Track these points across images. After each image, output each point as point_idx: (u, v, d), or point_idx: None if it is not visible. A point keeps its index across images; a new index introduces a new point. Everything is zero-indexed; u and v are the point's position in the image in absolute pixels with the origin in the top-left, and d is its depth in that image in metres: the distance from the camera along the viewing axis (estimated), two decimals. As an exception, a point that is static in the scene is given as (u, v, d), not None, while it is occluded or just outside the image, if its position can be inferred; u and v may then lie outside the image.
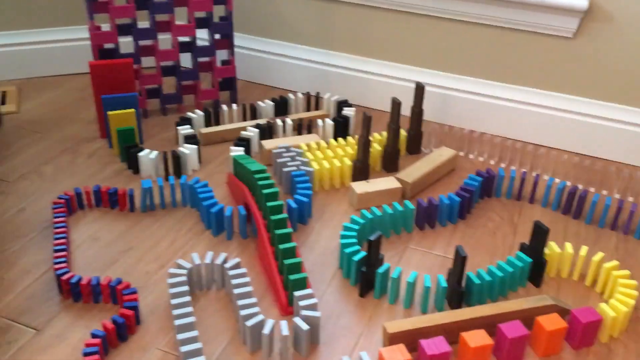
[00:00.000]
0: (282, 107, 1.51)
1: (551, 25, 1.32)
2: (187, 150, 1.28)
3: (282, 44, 1.64)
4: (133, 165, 1.29)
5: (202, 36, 1.61)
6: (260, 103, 1.48)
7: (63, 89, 1.61)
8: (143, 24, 1.46)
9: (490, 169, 1.24)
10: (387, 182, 1.22)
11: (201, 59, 1.52)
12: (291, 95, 1.52)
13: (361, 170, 1.26)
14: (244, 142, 1.34)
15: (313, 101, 1.58)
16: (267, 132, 1.40)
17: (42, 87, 1.62)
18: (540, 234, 0.97)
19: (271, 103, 1.49)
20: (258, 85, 1.69)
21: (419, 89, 1.33)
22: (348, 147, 1.32)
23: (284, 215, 1.02)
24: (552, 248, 1.02)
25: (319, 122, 1.41)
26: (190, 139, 1.34)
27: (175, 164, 1.28)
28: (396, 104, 1.27)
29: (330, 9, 1.54)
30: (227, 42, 1.52)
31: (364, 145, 1.24)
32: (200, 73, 1.52)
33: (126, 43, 1.53)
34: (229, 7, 1.46)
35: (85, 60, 1.67)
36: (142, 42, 1.45)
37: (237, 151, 1.29)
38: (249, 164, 1.19)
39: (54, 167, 1.29)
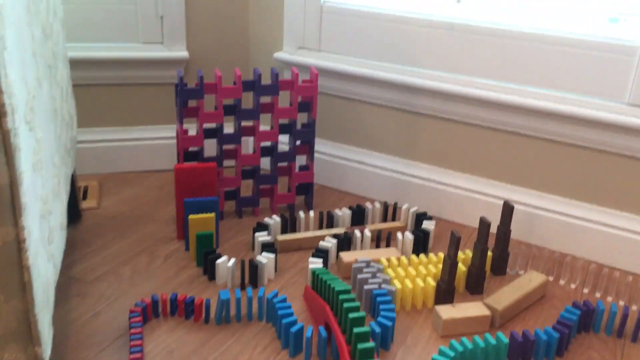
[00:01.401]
0: (358, 216, 1.47)
1: (649, 149, 1.27)
2: (264, 259, 1.25)
3: (361, 151, 1.63)
4: (209, 271, 1.26)
5: (283, 140, 1.62)
6: (337, 211, 1.45)
7: (143, 186, 1.63)
8: (228, 127, 1.48)
9: (588, 300, 1.15)
10: (475, 308, 1.15)
11: (280, 164, 1.52)
12: (368, 205, 1.48)
13: (446, 292, 1.19)
14: (322, 253, 1.30)
15: (390, 211, 1.54)
16: (344, 242, 1.36)
17: (123, 183, 1.64)
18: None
19: (348, 211, 1.46)
20: (333, 191, 1.67)
21: (508, 209, 1.27)
22: (430, 265, 1.26)
23: (371, 344, 0.95)
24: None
25: (398, 235, 1.37)
26: (267, 247, 1.31)
27: (251, 273, 1.24)
28: (485, 224, 1.21)
29: (413, 120, 1.53)
30: (307, 148, 1.52)
31: (451, 266, 1.17)
32: (278, 177, 1.51)
33: (209, 144, 1.55)
34: (313, 115, 1.47)
35: (166, 157, 1.70)
36: (225, 146, 1.46)
37: (316, 263, 1.25)
38: (330, 280, 1.14)
39: (132, 269, 1.28)
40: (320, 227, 1.45)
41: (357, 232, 1.37)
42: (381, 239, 1.42)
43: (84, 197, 1.53)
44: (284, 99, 1.52)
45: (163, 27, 1.61)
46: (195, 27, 1.64)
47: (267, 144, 1.50)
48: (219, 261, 1.24)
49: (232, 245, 1.39)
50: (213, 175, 1.36)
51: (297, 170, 1.54)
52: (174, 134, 1.68)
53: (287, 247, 1.38)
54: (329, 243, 1.33)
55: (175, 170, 1.33)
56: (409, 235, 1.36)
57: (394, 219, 1.50)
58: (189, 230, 1.31)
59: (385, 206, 1.49)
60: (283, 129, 1.49)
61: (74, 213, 1.42)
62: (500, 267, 1.32)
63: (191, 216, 1.30)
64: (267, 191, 1.53)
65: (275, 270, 1.30)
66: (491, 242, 1.40)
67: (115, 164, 1.68)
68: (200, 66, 1.66)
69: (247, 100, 1.63)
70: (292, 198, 1.53)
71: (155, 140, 1.69)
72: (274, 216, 1.41)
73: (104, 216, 1.47)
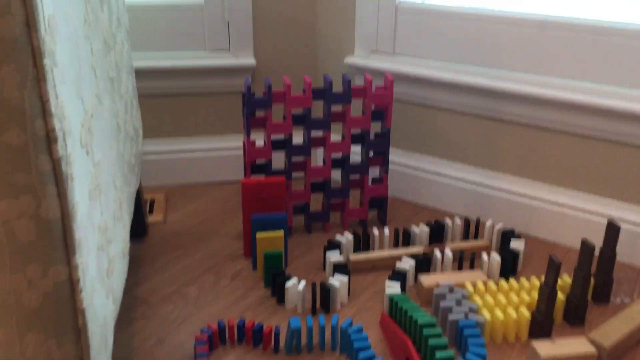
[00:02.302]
0: (437, 233, 1.35)
1: None
2: (337, 282, 1.15)
3: (439, 162, 1.50)
4: (278, 292, 1.17)
5: (355, 151, 1.52)
6: (414, 228, 1.33)
7: (209, 198, 1.57)
8: (297, 138, 1.39)
9: None
10: (578, 345, 1.00)
11: (352, 176, 1.41)
12: (447, 220, 1.36)
13: (542, 325, 1.05)
14: (400, 276, 1.19)
15: (472, 228, 1.41)
16: (423, 263, 1.24)
17: (189, 195, 1.59)
18: None
19: (426, 228, 1.34)
20: (408, 204, 1.56)
21: (613, 230, 1.11)
22: (523, 292, 1.12)
23: (463, 390, 0.83)
24: None
25: (483, 255, 1.23)
26: (339, 268, 1.21)
27: (323, 297, 1.14)
28: (588, 248, 1.06)
29: (496, 127, 1.39)
30: (381, 159, 1.41)
31: (549, 296, 1.03)
32: (350, 190, 1.41)
33: (277, 156, 1.47)
34: (387, 124, 1.35)
35: (233, 168, 1.63)
36: (294, 158, 1.37)
37: (393, 287, 1.14)
38: (411, 310, 1.02)
39: (198, 289, 1.21)
40: (396, 245, 1.34)
41: (437, 252, 1.24)
42: (464, 260, 1.29)
43: (150, 211, 1.49)
44: (355, 107, 1.41)
45: (230, 34, 1.54)
46: (263, 33, 1.56)
47: (338, 155, 1.40)
48: (288, 284, 1.14)
49: (302, 264, 1.30)
50: (281, 189, 1.27)
51: (370, 183, 1.43)
52: (241, 144, 1.61)
53: (361, 268, 1.27)
54: (407, 264, 1.22)
55: (242, 185, 1.25)
56: (496, 257, 1.22)
57: (476, 237, 1.37)
58: (256, 248, 1.23)
59: (467, 222, 1.36)
60: (355, 139, 1.38)
61: (140, 228, 1.37)
62: (603, 295, 1.16)
63: (259, 234, 1.22)
64: (338, 205, 1.43)
65: (349, 294, 1.20)
66: (594, 268, 1.25)
67: (182, 176, 1.63)
68: (268, 74, 1.58)
69: (317, 109, 1.53)
70: (364, 213, 1.43)
71: (221, 151, 1.63)
72: (346, 233, 1.31)
73: (170, 231, 1.42)
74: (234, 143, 1.63)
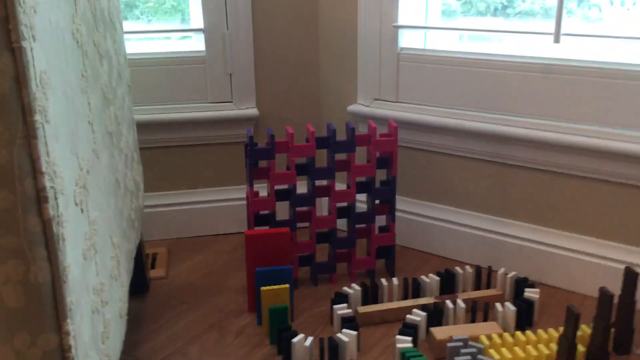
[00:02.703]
0: (448, 282, 1.30)
1: None
2: (346, 337, 1.10)
3: (447, 209, 1.46)
4: (284, 350, 1.12)
5: (361, 199, 1.49)
6: (423, 278, 1.29)
7: (212, 250, 1.53)
8: (301, 188, 1.36)
9: None
10: (603, 401, 0.94)
11: (358, 225, 1.38)
12: (458, 269, 1.31)
13: (564, 380, 1.00)
14: (411, 330, 1.13)
15: (484, 276, 1.36)
16: (435, 315, 1.19)
17: (192, 248, 1.55)
18: None
19: (436, 278, 1.29)
20: (416, 252, 1.51)
21: (631, 277, 1.07)
22: (541, 345, 1.07)
23: None
24: None
25: (497, 306, 1.19)
26: (348, 322, 1.16)
27: (331, 353, 1.09)
28: (607, 297, 1.01)
29: (505, 173, 1.36)
30: (387, 207, 1.37)
31: (570, 349, 0.98)
32: (356, 240, 1.37)
33: (281, 207, 1.44)
34: (393, 172, 1.33)
35: (236, 220, 1.60)
36: (298, 208, 1.34)
37: (404, 342, 1.09)
38: (425, 367, 0.97)
39: (200, 348, 1.16)
40: (405, 297, 1.29)
41: (449, 303, 1.20)
42: (477, 310, 1.23)
43: (152, 266, 1.45)
44: (360, 156, 1.39)
45: (232, 85, 1.53)
46: (265, 83, 1.55)
47: (344, 204, 1.36)
48: (294, 340, 1.09)
49: (309, 317, 1.25)
50: (286, 241, 1.24)
51: (376, 232, 1.39)
52: (244, 195, 1.59)
53: (370, 320, 1.22)
54: (418, 317, 1.17)
55: (245, 236, 1.22)
56: (511, 307, 1.17)
57: (488, 286, 1.32)
58: (261, 303, 1.19)
59: (478, 270, 1.31)
60: (360, 188, 1.35)
61: (141, 284, 1.33)
62: (623, 345, 1.11)
63: (263, 288, 1.17)
64: (345, 255, 1.39)
65: (358, 349, 1.14)
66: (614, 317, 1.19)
67: (184, 229, 1.59)
68: (270, 124, 1.57)
69: (321, 158, 1.51)
70: (372, 263, 1.38)
71: (225, 202, 1.60)
72: (353, 285, 1.26)
73: (173, 286, 1.37)
74: (237, 194, 1.60)
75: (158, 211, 1.57)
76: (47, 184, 0.52)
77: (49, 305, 0.53)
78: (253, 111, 1.54)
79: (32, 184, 0.51)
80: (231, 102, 1.54)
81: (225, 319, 1.25)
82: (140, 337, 1.19)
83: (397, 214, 1.50)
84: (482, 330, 1.13)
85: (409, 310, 1.23)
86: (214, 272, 1.43)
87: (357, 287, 1.26)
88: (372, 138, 1.30)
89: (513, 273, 1.29)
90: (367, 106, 1.49)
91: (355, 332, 1.12)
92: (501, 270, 1.29)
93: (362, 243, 1.51)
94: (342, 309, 1.19)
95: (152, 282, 1.39)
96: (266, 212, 1.32)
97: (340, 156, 1.35)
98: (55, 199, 0.54)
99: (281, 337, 1.12)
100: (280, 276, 1.20)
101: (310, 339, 1.09)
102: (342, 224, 1.48)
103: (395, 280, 1.27)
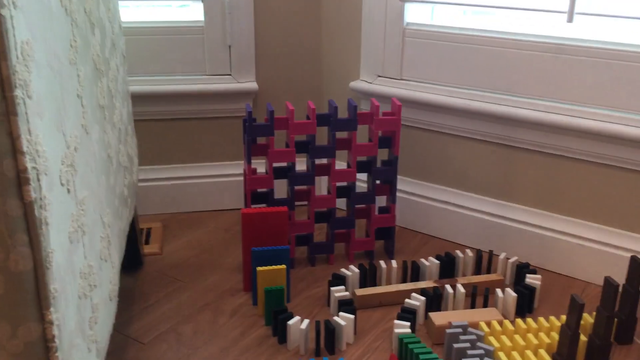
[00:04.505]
0: (448, 266, 1.27)
1: None
2: (343, 321, 1.07)
3: (449, 191, 1.43)
4: (280, 332, 1.10)
5: (362, 178, 1.45)
6: (423, 261, 1.26)
7: (208, 227, 1.50)
8: (300, 166, 1.32)
9: None
10: (604, 393, 0.92)
11: (358, 206, 1.34)
12: (458, 253, 1.28)
13: (564, 371, 0.98)
14: (409, 315, 1.11)
15: (485, 261, 1.33)
16: (434, 299, 1.16)
17: (188, 224, 1.51)
18: None
19: (436, 262, 1.26)
20: (416, 234, 1.48)
21: (636, 266, 1.04)
22: (541, 333, 1.04)
23: None
24: None
25: (498, 292, 1.16)
26: (345, 305, 1.13)
27: (328, 337, 1.07)
28: (612, 287, 0.99)
29: (510, 155, 1.32)
30: (388, 187, 1.34)
31: (572, 339, 0.95)
32: (355, 220, 1.34)
33: (280, 185, 1.41)
34: (395, 151, 1.29)
35: (234, 196, 1.56)
36: (297, 187, 1.30)
37: (402, 327, 1.06)
38: (423, 354, 0.95)
39: (194, 327, 1.13)
40: (404, 279, 1.26)
41: (449, 288, 1.17)
42: (477, 296, 1.21)
43: (147, 242, 1.41)
44: (361, 134, 1.35)
45: (231, 58, 1.48)
46: (265, 56, 1.50)
47: (343, 183, 1.33)
48: (290, 323, 1.07)
49: (305, 299, 1.22)
50: (284, 220, 1.20)
51: (376, 212, 1.36)
52: (242, 171, 1.55)
53: (367, 303, 1.20)
54: (417, 302, 1.14)
55: (242, 215, 1.18)
56: (511, 293, 1.15)
57: (489, 271, 1.29)
58: (256, 282, 1.16)
59: (479, 255, 1.28)
60: (361, 167, 1.32)
61: (135, 260, 1.30)
62: (626, 335, 1.09)
63: (259, 268, 1.14)
64: (343, 236, 1.36)
65: (355, 333, 1.12)
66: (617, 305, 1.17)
67: (180, 204, 1.56)
68: (270, 99, 1.52)
69: (321, 136, 1.47)
70: (371, 244, 1.35)
71: (222, 178, 1.56)
72: (351, 266, 1.23)
73: (167, 263, 1.34)
74: (235, 169, 1.56)
75: (153, 185, 1.53)
76: (29, 164, 0.48)
77: (30, 293, 0.50)
78: (252, 85, 1.49)
79: (12, 164, 0.47)
80: (230, 75, 1.49)
81: (220, 298, 1.22)
82: (131, 315, 1.16)
83: (398, 194, 1.47)
84: (481, 316, 1.11)
85: (407, 294, 1.20)
86: (209, 250, 1.40)
87: (355, 269, 1.23)
88: (375, 116, 1.25)
89: (514, 258, 1.26)
90: (370, 83, 1.44)
91: (352, 316, 1.09)
92: (502, 255, 1.27)
93: (361, 224, 1.48)
94: (339, 292, 1.16)
95: (145, 258, 1.36)
96: (264, 190, 1.29)
97: (341, 134, 1.31)
98: (38, 180, 0.50)
99: (277, 319, 1.10)
100: (277, 256, 1.17)
101: (306, 322, 1.06)
102: (341, 204, 1.45)
103: (394, 263, 1.25)
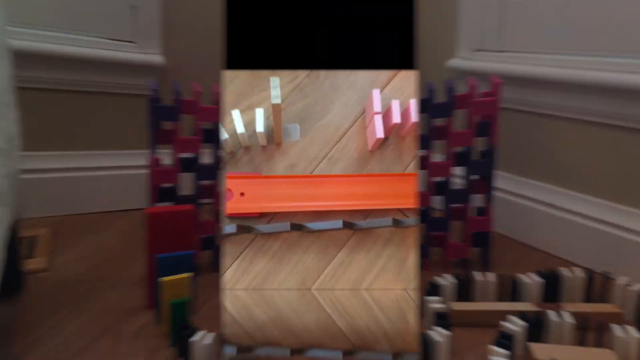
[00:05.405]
0: (552, 287, 0.82)
1: None
2: (439, 337, 0.51)
3: (557, 190, 1.11)
4: (185, 352, 0.56)
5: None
6: (523, 278, 0.74)
7: (107, 232, 1.18)
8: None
9: None
10: None
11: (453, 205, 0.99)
12: (564, 271, 0.81)
13: None
14: (507, 341, 0.58)
15: (598, 284, 0.81)
16: (535, 325, 0.64)
17: (82, 229, 1.20)
18: None
19: (539, 280, 0.76)
20: (515, 242, 1.15)
21: None
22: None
23: None
24: None
25: (615, 330, 0.65)
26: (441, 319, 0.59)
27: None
28: None
29: (638, 146, 0.95)
30: (484, 184, 0.98)
31: None
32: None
33: (187, 178, 0.99)
34: (492, 141, 0.95)
35: (136, 193, 1.24)
36: (202, 182, 0.88)
37: (501, 356, 0.54)
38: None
39: (91, 358, 0.64)
40: (500, 297, 0.73)
41: (553, 315, 0.63)
42: (589, 329, 0.67)
43: (30, 255, 0.95)
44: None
45: (137, 21, 1.22)
46: (177, 23, 1.27)
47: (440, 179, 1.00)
48: (193, 339, 0.53)
49: (208, 310, 0.77)
50: (193, 220, 0.75)
51: (471, 214, 1.02)
52: (147, 162, 1.13)
53: (462, 320, 0.76)
54: (516, 327, 0.62)
55: (147, 214, 0.81)
56: (634, 333, 0.63)
57: (603, 299, 0.78)
58: (160, 295, 0.66)
59: (590, 275, 0.78)
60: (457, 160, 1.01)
61: (14, 281, 0.87)
62: None
63: (164, 279, 0.68)
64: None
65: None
66: None
67: (73, 203, 1.25)
68: (179, 76, 1.23)
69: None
70: (465, 251, 0.99)
71: (124, 170, 1.28)
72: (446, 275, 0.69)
73: (56, 281, 0.94)
74: (139, 161, 1.28)
75: (39, 178, 1.22)
76: None
77: None
78: (158, 58, 1.25)
79: None
80: (134, 42, 1.24)
81: (121, 320, 0.85)
82: (10, 354, 0.70)
83: (494, 193, 1.09)
84: (593, 357, 0.61)
85: (502, 315, 0.77)
86: (108, 260, 1.04)
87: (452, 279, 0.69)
88: (471, 98, 0.95)
89: (638, 286, 0.84)
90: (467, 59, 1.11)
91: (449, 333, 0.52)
92: (622, 280, 0.84)
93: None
94: (435, 302, 0.68)
95: (28, 277, 0.89)
96: (169, 185, 0.90)
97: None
98: None
99: (180, 337, 0.56)
100: (184, 262, 0.70)
101: (211, 336, 0.56)
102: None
103: (490, 276, 0.74)
